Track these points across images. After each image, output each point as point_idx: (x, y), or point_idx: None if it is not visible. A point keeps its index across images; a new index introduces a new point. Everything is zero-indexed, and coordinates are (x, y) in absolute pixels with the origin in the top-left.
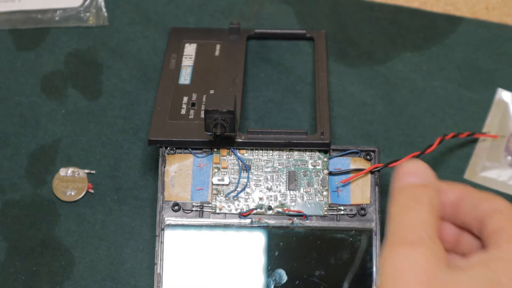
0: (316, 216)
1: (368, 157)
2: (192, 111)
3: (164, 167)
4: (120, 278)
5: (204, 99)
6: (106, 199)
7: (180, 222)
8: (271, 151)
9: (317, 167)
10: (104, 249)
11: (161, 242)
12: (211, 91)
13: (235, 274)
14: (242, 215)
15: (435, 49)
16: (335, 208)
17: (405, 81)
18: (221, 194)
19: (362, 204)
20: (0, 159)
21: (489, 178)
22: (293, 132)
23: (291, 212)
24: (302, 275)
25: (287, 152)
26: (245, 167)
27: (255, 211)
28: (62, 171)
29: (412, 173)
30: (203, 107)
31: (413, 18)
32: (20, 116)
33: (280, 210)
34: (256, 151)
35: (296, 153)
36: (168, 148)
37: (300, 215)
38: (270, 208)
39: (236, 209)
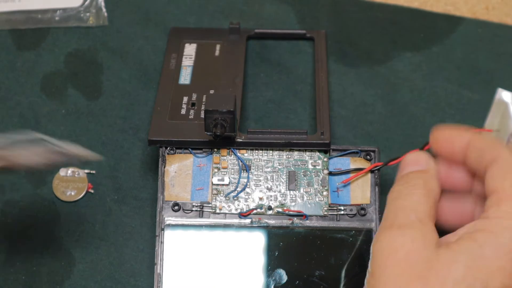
0: (316, 216)
1: (368, 157)
2: (192, 111)
3: (164, 167)
4: (120, 278)
5: (204, 99)
6: (106, 199)
7: (180, 222)
8: (271, 151)
9: (317, 167)
10: (104, 249)
11: (161, 242)
12: (211, 91)
13: (235, 274)
14: (242, 215)
15: (435, 49)
16: (335, 208)
17: (405, 81)
18: (221, 194)
19: (362, 204)
20: None
21: None
22: (293, 132)
23: (291, 212)
24: (302, 275)
25: (287, 152)
26: (245, 167)
27: (255, 211)
28: (62, 171)
29: (413, 162)
30: (203, 107)
31: (413, 18)
32: (20, 116)
33: (280, 210)
34: (256, 151)
35: (296, 153)
36: (168, 148)
37: (300, 215)
38: (270, 208)
39: (236, 209)
